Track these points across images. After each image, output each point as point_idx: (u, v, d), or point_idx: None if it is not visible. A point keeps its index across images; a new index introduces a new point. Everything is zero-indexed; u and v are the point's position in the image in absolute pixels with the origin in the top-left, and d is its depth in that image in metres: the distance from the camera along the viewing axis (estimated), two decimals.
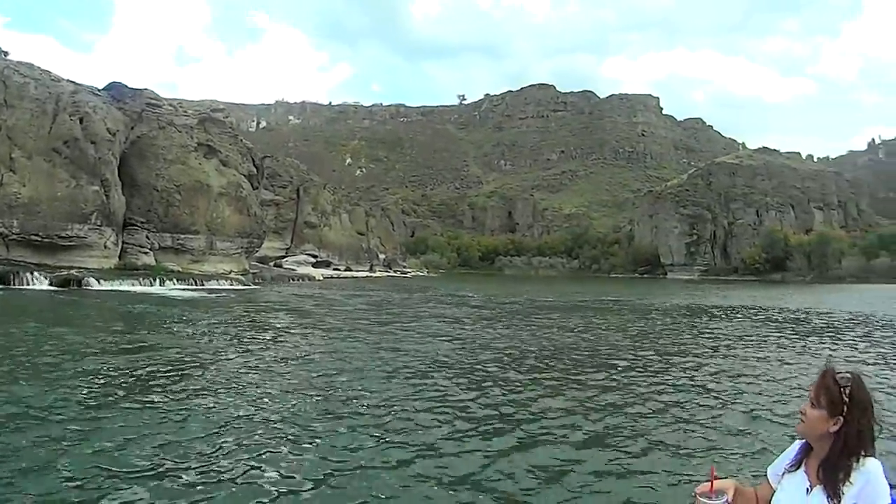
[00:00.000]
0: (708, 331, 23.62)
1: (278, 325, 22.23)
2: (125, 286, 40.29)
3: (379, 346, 16.96)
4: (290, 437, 7.98)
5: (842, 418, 2.23)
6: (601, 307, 35.80)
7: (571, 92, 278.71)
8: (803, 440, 2.41)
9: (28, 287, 36.84)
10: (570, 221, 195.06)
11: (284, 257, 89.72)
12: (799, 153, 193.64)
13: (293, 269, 78.30)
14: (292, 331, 20.56)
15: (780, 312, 33.90)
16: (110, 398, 9.80)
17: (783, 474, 2.44)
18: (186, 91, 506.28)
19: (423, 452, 7.53)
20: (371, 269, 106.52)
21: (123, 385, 10.86)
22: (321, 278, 73.82)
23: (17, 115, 43.60)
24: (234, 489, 6.19)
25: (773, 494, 2.45)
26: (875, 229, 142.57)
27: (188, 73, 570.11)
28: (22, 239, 41.77)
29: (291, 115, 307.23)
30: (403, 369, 13.18)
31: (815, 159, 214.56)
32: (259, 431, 8.15)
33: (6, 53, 50.73)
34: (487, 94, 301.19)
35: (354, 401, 10.11)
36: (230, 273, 51.90)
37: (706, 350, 17.87)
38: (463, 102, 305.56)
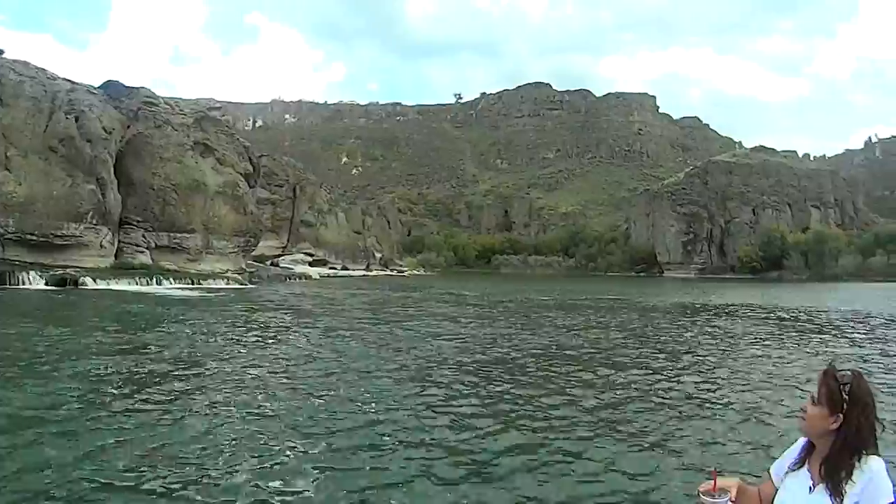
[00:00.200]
0: (706, 329, 23.64)
1: (275, 325, 22.18)
2: (121, 285, 40.23)
3: (377, 345, 16.95)
4: (289, 436, 7.96)
5: (842, 416, 2.24)
6: (599, 306, 35.83)
7: (568, 91, 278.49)
8: (806, 439, 2.42)
9: (24, 287, 36.73)
10: (566, 220, 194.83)
11: (281, 256, 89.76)
12: (795, 152, 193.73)
13: (290, 268, 78.24)
14: (290, 330, 20.52)
15: (777, 311, 33.97)
16: (106, 398, 9.78)
17: (786, 473, 2.44)
18: (183, 90, 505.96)
19: (423, 450, 7.53)
20: (367, 268, 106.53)
21: (119, 385, 10.83)
22: (318, 277, 73.81)
23: (13, 113, 43.41)
24: (233, 489, 6.17)
25: (775, 493, 2.45)
26: (871, 228, 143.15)
27: (184, 71, 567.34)
28: (18, 238, 41.62)
29: (288, 113, 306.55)
30: (403, 368, 13.18)
31: (812, 158, 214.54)
32: (258, 431, 8.12)
33: (1, 52, 50.44)
34: (484, 93, 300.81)
35: (353, 400, 10.09)
36: (227, 272, 51.83)
37: (705, 348, 17.90)
38: (459, 101, 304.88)
